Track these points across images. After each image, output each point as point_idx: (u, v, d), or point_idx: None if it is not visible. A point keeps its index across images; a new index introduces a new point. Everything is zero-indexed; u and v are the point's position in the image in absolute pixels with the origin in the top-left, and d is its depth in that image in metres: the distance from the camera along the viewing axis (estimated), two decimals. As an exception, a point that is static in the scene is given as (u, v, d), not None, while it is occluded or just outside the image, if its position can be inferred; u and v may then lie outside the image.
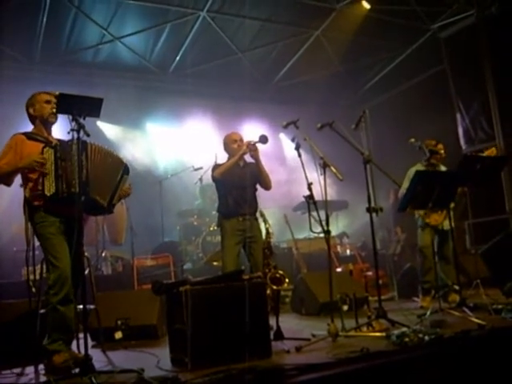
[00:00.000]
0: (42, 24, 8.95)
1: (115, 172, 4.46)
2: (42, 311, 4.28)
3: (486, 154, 6.06)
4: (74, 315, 4.23)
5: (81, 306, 3.92)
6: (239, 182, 5.72)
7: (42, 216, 4.17)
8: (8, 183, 4.27)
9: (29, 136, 4.34)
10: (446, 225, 6.45)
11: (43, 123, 4.41)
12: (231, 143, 5.93)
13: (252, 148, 5.67)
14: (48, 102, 4.36)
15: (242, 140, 5.90)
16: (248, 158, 5.88)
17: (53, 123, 4.45)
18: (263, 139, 5.62)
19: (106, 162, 4.38)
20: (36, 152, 4.12)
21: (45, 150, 4.12)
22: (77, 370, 3.74)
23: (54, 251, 4.13)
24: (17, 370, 4.14)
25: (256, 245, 5.62)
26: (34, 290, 4.58)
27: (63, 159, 4.06)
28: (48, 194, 4.05)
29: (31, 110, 4.43)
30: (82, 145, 4.03)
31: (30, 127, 4.50)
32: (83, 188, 3.96)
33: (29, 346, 4.27)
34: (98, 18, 9.44)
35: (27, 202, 4.23)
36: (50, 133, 4.46)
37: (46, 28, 9.06)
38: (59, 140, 4.31)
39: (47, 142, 4.26)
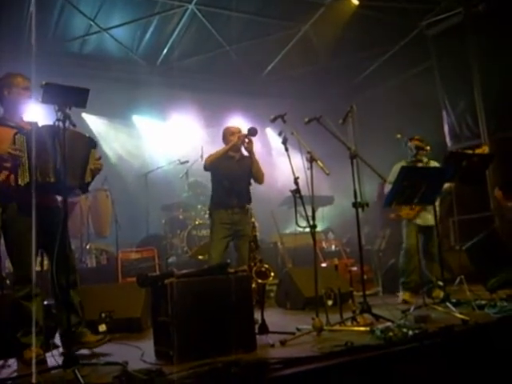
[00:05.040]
0: (29, 13, 8.85)
1: (82, 151, 4.29)
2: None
3: (477, 152, 6.06)
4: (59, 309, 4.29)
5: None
6: (231, 175, 5.86)
7: (13, 208, 4.07)
8: None
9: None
10: (431, 220, 6.51)
11: (15, 108, 4.28)
12: (230, 135, 6.04)
13: (244, 140, 5.77)
14: (26, 88, 4.24)
15: (240, 132, 5.99)
16: (245, 152, 5.97)
17: (25, 110, 4.33)
18: (252, 131, 5.74)
19: (75, 144, 4.18)
20: (7, 139, 3.97)
21: (16, 137, 3.97)
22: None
23: (18, 250, 4.08)
24: (-1, 362, 4.11)
25: (243, 238, 5.70)
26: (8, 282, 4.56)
27: (36, 146, 3.85)
28: (22, 184, 3.92)
29: (5, 92, 4.27)
30: (54, 129, 3.85)
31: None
32: (59, 176, 3.84)
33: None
34: (85, 9, 9.37)
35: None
36: (21, 117, 4.29)
37: (32, 18, 8.96)
38: (31, 123, 4.20)
39: (18, 127, 4.11)
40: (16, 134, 3.99)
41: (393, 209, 6.80)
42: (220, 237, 5.76)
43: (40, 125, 4.16)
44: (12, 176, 4.00)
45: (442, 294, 5.69)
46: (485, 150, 6.07)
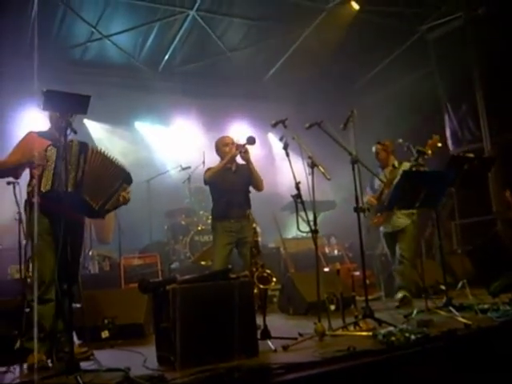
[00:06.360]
0: (31, 20, 8.89)
1: (114, 179, 4.49)
2: (27, 310, 4.28)
3: (429, 142, 6.00)
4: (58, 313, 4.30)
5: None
6: (231, 187, 5.86)
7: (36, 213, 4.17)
8: (15, 176, 4.45)
9: (40, 134, 4.47)
10: (401, 224, 6.48)
11: (58, 126, 4.40)
12: (223, 146, 5.99)
13: (242, 150, 5.71)
14: None
15: (233, 143, 5.94)
16: (240, 161, 5.93)
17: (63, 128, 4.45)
18: (251, 140, 5.69)
19: (106, 168, 4.43)
20: (43, 150, 4.21)
21: (48, 148, 4.21)
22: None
23: (38, 253, 4.18)
24: (2, 369, 4.10)
25: (246, 245, 5.68)
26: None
27: (63, 158, 4.05)
28: (43, 191, 4.10)
29: (50, 115, 4.52)
30: (83, 146, 4.24)
31: (19, 124, 4.52)
32: (76, 188, 4.07)
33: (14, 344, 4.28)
34: (86, 16, 9.42)
35: (28, 198, 4.34)
36: (62, 134, 4.42)
37: (34, 25, 8.99)
38: (70, 140, 4.34)
39: (55, 141, 4.29)
40: (49, 145, 4.23)
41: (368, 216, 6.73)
42: (224, 243, 5.76)
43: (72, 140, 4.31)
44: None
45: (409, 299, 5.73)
46: (436, 139, 6.01)
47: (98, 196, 4.37)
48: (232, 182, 5.87)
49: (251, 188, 6.03)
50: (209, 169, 6.05)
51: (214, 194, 6.03)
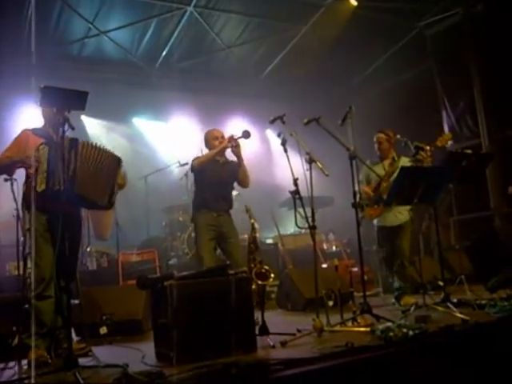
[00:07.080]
0: (28, 16, 8.86)
1: (111, 170, 4.42)
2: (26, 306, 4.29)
3: (440, 138, 5.93)
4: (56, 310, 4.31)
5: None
6: (217, 179, 5.77)
7: (32, 212, 4.17)
8: (9, 173, 4.43)
9: (35, 132, 4.46)
10: (400, 220, 6.32)
11: (51, 122, 4.45)
12: (212, 140, 5.93)
13: (234, 143, 5.67)
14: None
15: (223, 137, 5.88)
16: (230, 156, 5.89)
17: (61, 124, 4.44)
18: (246, 134, 5.63)
19: (100, 160, 4.34)
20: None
21: (40, 147, 4.15)
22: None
23: (36, 249, 4.15)
24: (0, 365, 4.10)
25: (232, 241, 5.69)
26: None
27: (56, 157, 4.04)
28: (39, 190, 4.06)
29: (43, 111, 4.54)
30: (73, 142, 4.14)
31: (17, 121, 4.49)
32: (68, 185, 3.98)
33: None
34: (84, 12, 9.39)
35: (24, 197, 4.35)
36: (56, 131, 4.35)
37: (31, 21, 8.97)
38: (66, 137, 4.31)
39: (49, 138, 4.27)
40: (41, 144, 4.17)
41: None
42: (207, 238, 5.64)
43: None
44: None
45: (411, 301, 5.67)
46: (447, 136, 5.94)
47: (98, 189, 4.31)
48: (219, 175, 5.79)
49: (236, 185, 5.99)
50: (197, 157, 5.97)
51: (199, 184, 5.90)
